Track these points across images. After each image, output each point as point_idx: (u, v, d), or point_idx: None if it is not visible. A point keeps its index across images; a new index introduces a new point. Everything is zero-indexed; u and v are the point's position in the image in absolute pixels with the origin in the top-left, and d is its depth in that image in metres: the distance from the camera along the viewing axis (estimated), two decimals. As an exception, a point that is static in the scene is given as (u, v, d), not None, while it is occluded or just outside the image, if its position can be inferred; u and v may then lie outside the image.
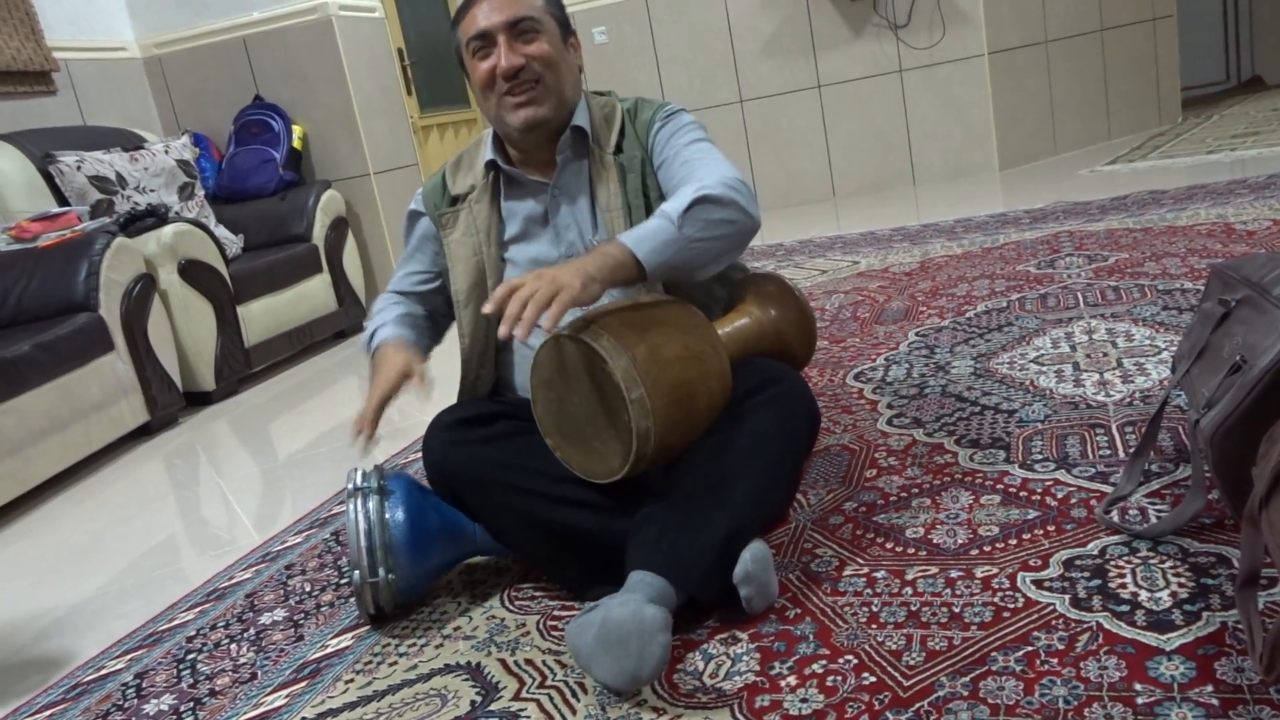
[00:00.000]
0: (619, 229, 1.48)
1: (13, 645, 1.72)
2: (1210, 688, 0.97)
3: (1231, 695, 0.95)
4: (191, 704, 1.36)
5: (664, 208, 1.36)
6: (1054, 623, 1.13)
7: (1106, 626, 1.10)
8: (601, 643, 1.11)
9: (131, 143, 3.70)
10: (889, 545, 1.39)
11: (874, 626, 1.20)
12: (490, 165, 1.57)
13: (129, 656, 1.55)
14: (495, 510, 1.44)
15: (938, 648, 1.13)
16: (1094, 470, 1.49)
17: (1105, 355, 1.98)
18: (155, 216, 3.25)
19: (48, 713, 1.42)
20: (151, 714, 1.36)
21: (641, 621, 1.09)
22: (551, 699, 1.19)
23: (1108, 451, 1.55)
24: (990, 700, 1.02)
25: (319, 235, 3.92)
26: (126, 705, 1.39)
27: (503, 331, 1.20)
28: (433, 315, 1.71)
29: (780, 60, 5.11)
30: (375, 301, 1.73)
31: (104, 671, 1.51)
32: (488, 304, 1.26)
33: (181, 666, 1.47)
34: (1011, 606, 1.18)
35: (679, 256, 1.33)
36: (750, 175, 5.20)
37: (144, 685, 1.44)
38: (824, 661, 1.15)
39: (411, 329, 1.64)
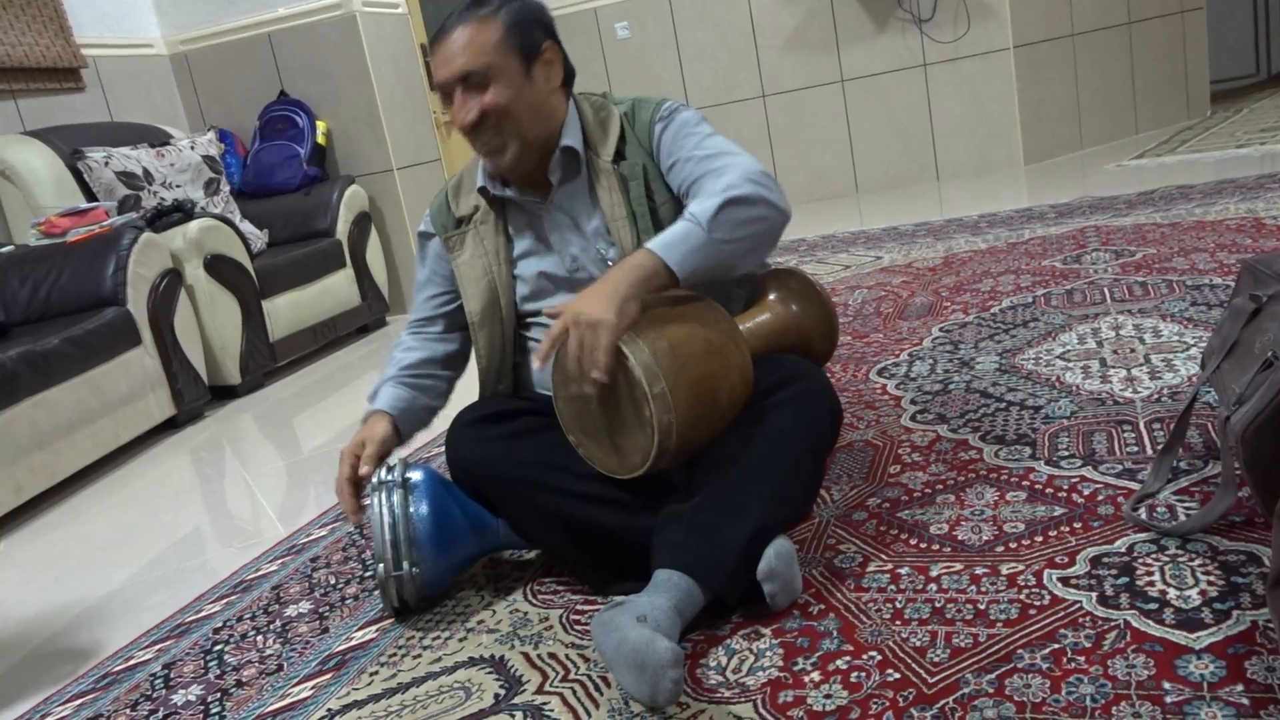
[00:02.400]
0: (625, 237, 1.47)
1: (43, 635, 1.75)
2: (1240, 687, 0.96)
3: (1262, 695, 0.94)
4: (219, 694, 1.37)
5: (692, 210, 1.35)
6: (1081, 620, 1.12)
7: (1134, 624, 1.09)
8: (620, 657, 1.11)
9: (158, 139, 3.73)
10: (913, 541, 1.38)
11: (898, 623, 1.19)
12: (482, 191, 1.56)
13: (157, 647, 1.56)
14: (518, 506, 1.44)
15: (963, 645, 1.12)
16: (1121, 467, 1.47)
17: (1132, 351, 1.96)
18: (181, 212, 3.28)
19: (78, 702, 1.44)
20: (180, 704, 1.37)
21: (655, 655, 1.08)
22: (575, 693, 1.19)
23: (1135, 448, 1.53)
24: (1016, 698, 1.01)
25: (343, 230, 3.95)
26: (155, 695, 1.41)
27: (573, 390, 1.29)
28: (457, 345, 1.69)
29: (803, 55, 5.08)
30: (398, 341, 1.72)
31: (133, 662, 1.53)
32: (536, 362, 1.30)
33: (209, 658, 1.49)
34: (1038, 604, 1.17)
35: (711, 259, 1.33)
36: (772, 171, 5.18)
37: (172, 676, 1.46)
38: (848, 658, 1.14)
39: (412, 388, 1.64)
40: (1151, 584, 1.16)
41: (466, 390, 1.71)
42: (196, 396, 3.09)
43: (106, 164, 3.39)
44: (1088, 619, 1.12)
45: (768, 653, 1.19)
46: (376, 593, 1.57)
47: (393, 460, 1.49)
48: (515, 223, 1.57)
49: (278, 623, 1.56)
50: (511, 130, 1.45)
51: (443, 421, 1.64)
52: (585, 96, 1.58)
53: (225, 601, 1.69)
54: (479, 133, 1.46)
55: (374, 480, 1.44)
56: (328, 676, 1.36)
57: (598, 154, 1.51)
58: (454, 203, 1.61)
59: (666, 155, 1.50)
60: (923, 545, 1.37)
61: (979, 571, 1.27)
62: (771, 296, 1.54)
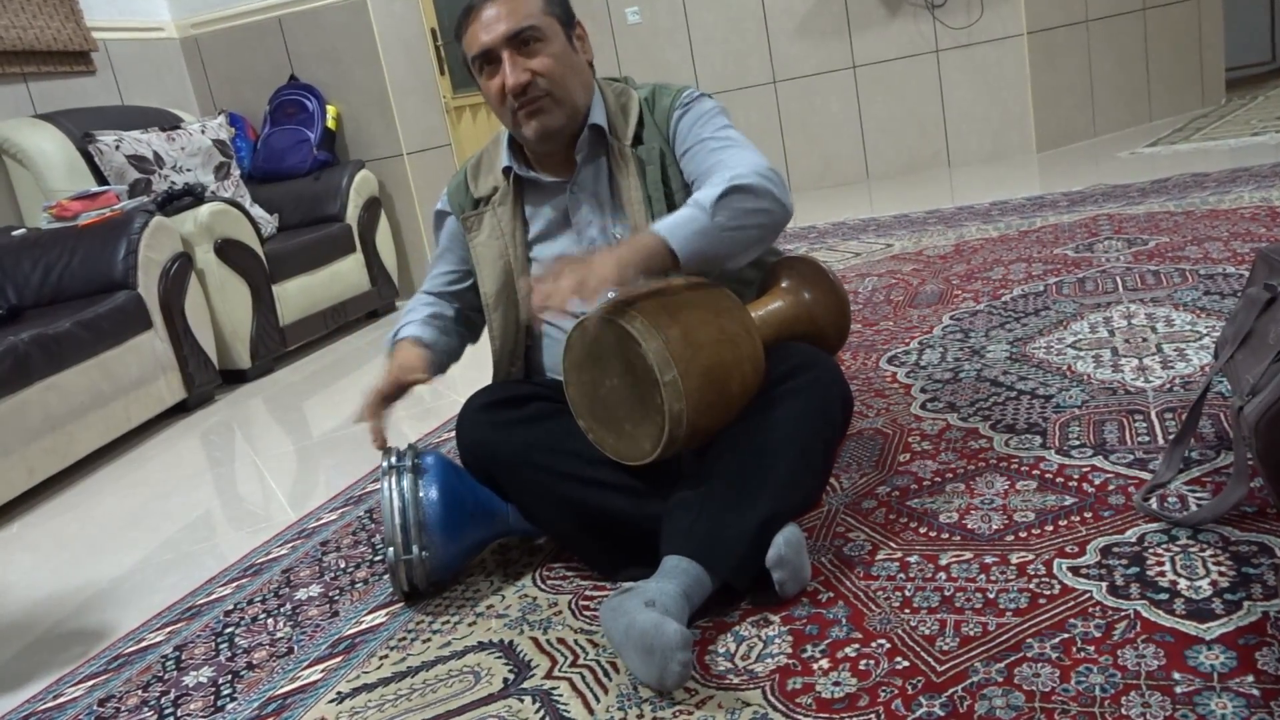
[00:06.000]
0: (640, 221, 1.47)
1: (55, 617, 1.76)
2: (1251, 678, 0.96)
3: (1273, 686, 0.94)
4: (230, 676, 1.38)
5: (696, 196, 1.36)
6: (1091, 610, 1.11)
7: (1144, 615, 1.09)
8: (629, 641, 1.12)
9: (169, 122, 3.73)
10: (922, 530, 1.38)
11: (907, 611, 1.19)
12: (507, 171, 1.56)
13: (168, 630, 1.57)
14: (528, 491, 1.45)
15: (972, 633, 1.12)
16: (1132, 457, 1.47)
17: (1144, 340, 1.95)
18: (192, 196, 3.29)
19: (90, 683, 1.45)
20: (191, 686, 1.38)
21: (664, 637, 1.08)
22: (583, 677, 1.20)
23: (1146, 438, 1.52)
24: (1025, 687, 1.01)
25: (352, 215, 3.95)
26: (166, 677, 1.42)
27: (536, 300, 1.22)
28: (466, 315, 1.70)
29: (815, 41, 5.05)
30: (409, 300, 1.73)
31: (144, 644, 1.54)
32: (528, 283, 1.27)
33: (220, 640, 1.50)
34: (1048, 593, 1.17)
35: (712, 246, 1.33)
36: (783, 157, 5.16)
37: (183, 658, 1.47)
38: (856, 645, 1.15)
39: (436, 330, 1.65)
40: (1162, 574, 1.16)
41: (478, 376, 1.71)
42: (207, 380, 3.10)
43: (117, 147, 3.39)
44: (1098, 609, 1.11)
45: (776, 640, 1.19)
46: (386, 577, 1.58)
47: (402, 445, 1.49)
48: (533, 205, 1.58)
49: (288, 606, 1.57)
50: (561, 93, 1.46)
51: (453, 406, 1.65)
52: (606, 81, 1.59)
53: (236, 585, 1.69)
54: (528, 94, 1.44)
55: (384, 464, 1.45)
56: (337, 660, 1.37)
57: (618, 138, 1.52)
58: (473, 183, 1.62)
59: (681, 142, 1.52)
60: (932, 534, 1.37)
61: (989, 560, 1.27)
62: (784, 284, 1.54)
